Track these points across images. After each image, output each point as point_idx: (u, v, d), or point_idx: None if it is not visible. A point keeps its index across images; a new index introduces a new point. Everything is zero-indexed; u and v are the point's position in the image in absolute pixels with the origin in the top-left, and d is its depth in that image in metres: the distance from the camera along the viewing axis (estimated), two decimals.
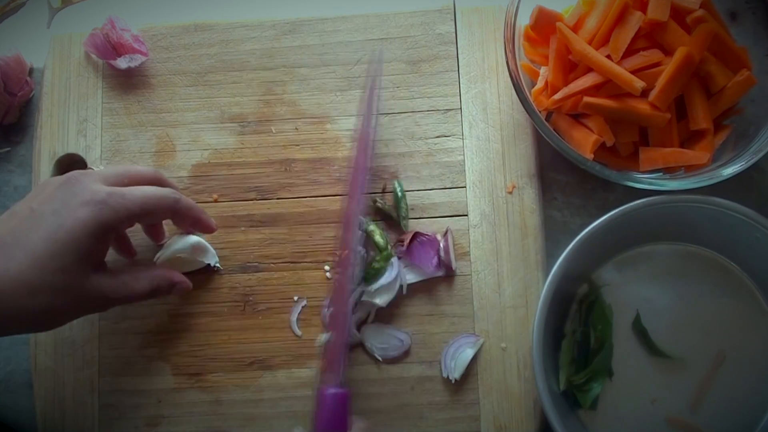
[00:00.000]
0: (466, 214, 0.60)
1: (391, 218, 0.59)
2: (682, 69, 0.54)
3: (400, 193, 0.59)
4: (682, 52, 0.54)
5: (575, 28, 0.58)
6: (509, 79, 0.57)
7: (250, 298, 0.59)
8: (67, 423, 0.58)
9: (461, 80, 0.62)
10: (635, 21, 0.55)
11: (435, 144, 0.61)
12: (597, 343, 0.56)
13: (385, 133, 0.61)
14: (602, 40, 0.56)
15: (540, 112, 0.57)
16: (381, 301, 0.57)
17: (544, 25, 0.58)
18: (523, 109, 0.56)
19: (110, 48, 0.63)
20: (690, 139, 0.58)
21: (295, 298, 0.59)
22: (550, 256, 0.59)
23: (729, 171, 0.54)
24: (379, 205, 0.59)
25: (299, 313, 0.59)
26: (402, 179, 0.60)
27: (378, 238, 0.58)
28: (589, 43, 0.56)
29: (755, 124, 0.57)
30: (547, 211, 0.61)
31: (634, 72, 0.55)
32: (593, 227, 0.54)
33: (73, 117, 0.63)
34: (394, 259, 0.57)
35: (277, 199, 0.61)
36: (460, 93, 0.62)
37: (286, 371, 0.58)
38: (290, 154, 0.61)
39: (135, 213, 0.49)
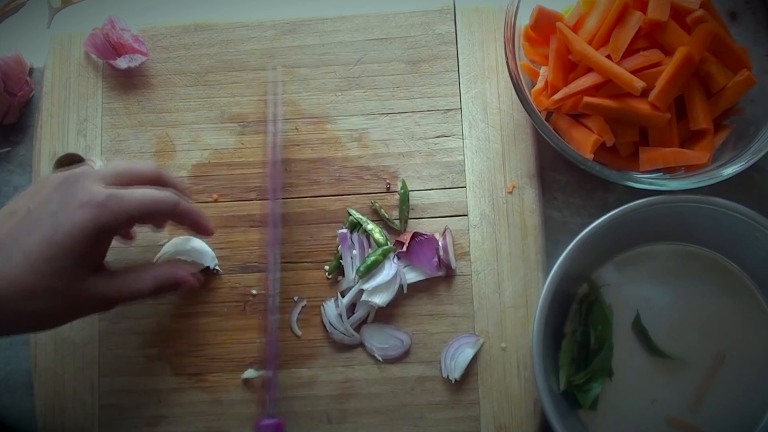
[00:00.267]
0: (466, 214, 0.60)
1: (387, 222, 0.59)
2: (682, 69, 0.54)
3: (403, 194, 0.59)
4: (682, 52, 0.54)
5: (575, 28, 0.58)
6: (509, 79, 0.57)
7: (250, 298, 0.59)
8: (67, 423, 0.58)
9: (461, 80, 0.62)
10: (635, 21, 0.55)
11: (435, 144, 0.61)
12: (597, 343, 0.56)
13: (385, 133, 0.61)
14: (602, 40, 0.56)
15: (540, 112, 0.57)
16: (381, 300, 0.57)
17: (544, 25, 0.58)
18: (523, 109, 0.56)
19: (110, 48, 0.63)
20: (690, 139, 0.58)
21: (295, 298, 0.59)
22: (550, 256, 0.59)
23: (729, 171, 0.54)
24: (376, 207, 0.59)
25: (299, 313, 0.59)
26: (402, 179, 0.60)
27: (377, 236, 0.58)
28: (589, 43, 0.56)
29: (755, 124, 0.57)
30: (547, 211, 0.61)
31: (634, 72, 0.55)
32: (593, 227, 0.54)
33: (73, 117, 0.63)
34: (393, 258, 0.57)
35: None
36: (460, 93, 0.62)
37: (285, 371, 0.58)
38: (290, 154, 0.61)
39: (133, 216, 0.49)
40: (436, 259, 0.58)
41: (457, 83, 0.62)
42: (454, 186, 0.60)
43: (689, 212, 0.55)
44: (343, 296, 0.58)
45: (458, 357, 0.57)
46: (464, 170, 0.60)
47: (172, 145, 0.62)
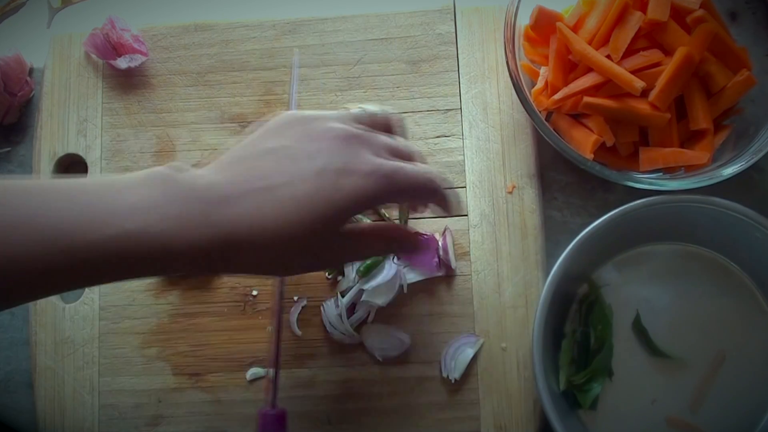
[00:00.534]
0: (466, 214, 0.60)
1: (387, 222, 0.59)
2: (682, 69, 0.54)
3: None
4: (682, 52, 0.54)
5: (575, 28, 0.58)
6: (509, 79, 0.57)
7: (250, 298, 0.59)
8: (67, 423, 0.58)
9: (461, 80, 0.62)
10: (635, 21, 0.55)
11: (435, 144, 0.61)
12: (597, 343, 0.56)
13: None
14: (602, 40, 0.56)
15: (540, 112, 0.57)
16: (381, 301, 0.57)
17: (544, 25, 0.58)
18: (523, 109, 0.56)
19: (110, 48, 0.63)
20: (690, 139, 0.58)
21: (295, 298, 0.59)
22: (550, 256, 0.58)
23: (729, 171, 0.54)
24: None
25: (299, 313, 0.59)
26: None
27: None
28: (589, 43, 0.56)
29: (755, 124, 0.57)
30: (547, 211, 0.61)
31: (634, 72, 0.55)
32: (593, 227, 0.54)
33: (73, 117, 0.63)
34: (393, 258, 0.57)
35: None
36: (460, 93, 0.62)
37: (286, 371, 0.58)
38: None
39: (407, 195, 0.46)
40: (436, 259, 0.58)
41: (457, 83, 0.62)
42: (454, 186, 0.60)
43: (689, 212, 0.55)
44: (343, 296, 0.58)
45: (458, 357, 0.57)
46: (464, 170, 0.60)
47: (172, 145, 0.62)
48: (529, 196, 0.60)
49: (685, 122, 0.57)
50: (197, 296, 0.59)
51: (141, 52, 0.63)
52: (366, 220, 0.58)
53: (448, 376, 0.57)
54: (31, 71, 0.66)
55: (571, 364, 0.56)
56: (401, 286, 0.58)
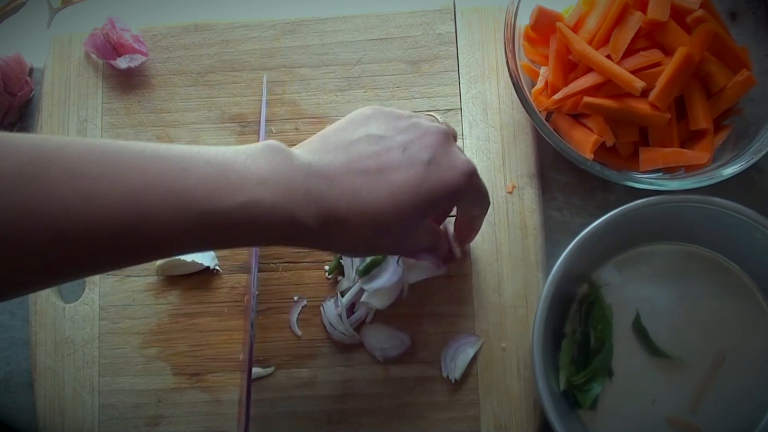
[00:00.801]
0: None
1: None
2: (682, 69, 0.54)
3: None
4: (682, 52, 0.54)
5: (575, 28, 0.58)
6: (509, 79, 0.57)
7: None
8: (67, 423, 0.58)
9: (461, 80, 0.62)
10: (635, 21, 0.55)
11: None
12: (597, 343, 0.56)
13: None
14: (602, 40, 0.56)
15: (540, 112, 0.57)
16: (381, 304, 0.57)
17: (544, 25, 0.58)
18: (523, 109, 0.56)
19: (110, 48, 0.63)
20: (690, 139, 0.58)
21: (295, 298, 0.59)
22: (550, 256, 0.58)
23: (729, 171, 0.54)
24: None
25: (299, 313, 0.59)
26: None
27: None
28: (589, 43, 0.56)
29: (755, 124, 0.57)
30: (547, 211, 0.61)
31: (634, 72, 0.55)
32: (593, 227, 0.54)
33: (73, 117, 0.63)
34: (399, 261, 0.57)
35: None
36: (460, 93, 0.62)
37: (286, 371, 0.58)
38: None
39: (476, 201, 0.49)
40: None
41: (457, 83, 0.62)
42: None
43: (689, 212, 0.55)
44: (343, 296, 0.58)
45: (458, 357, 0.57)
46: None
47: None
48: (529, 196, 0.60)
49: (685, 122, 0.57)
50: (197, 296, 0.59)
51: (141, 52, 0.63)
52: None
53: (448, 376, 0.57)
54: (31, 71, 0.66)
55: (571, 364, 0.56)
56: (402, 290, 0.58)
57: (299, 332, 0.59)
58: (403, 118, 0.47)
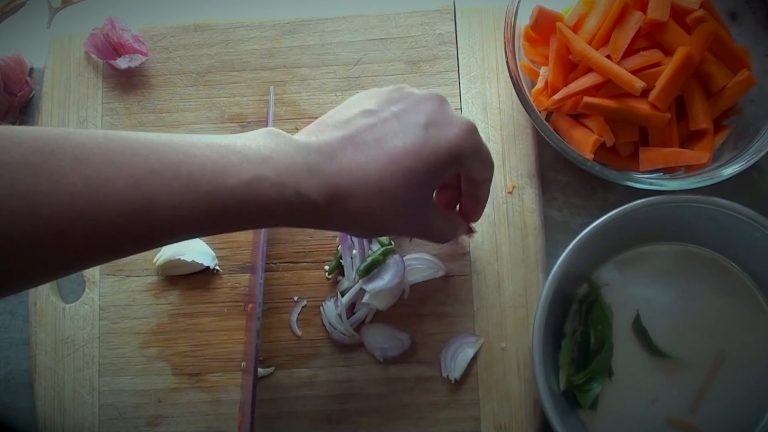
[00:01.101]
0: None
1: None
2: (682, 69, 0.54)
3: None
4: (682, 52, 0.54)
5: (575, 28, 0.58)
6: (509, 79, 0.57)
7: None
8: (67, 423, 0.58)
9: (461, 80, 0.62)
10: (635, 21, 0.55)
11: None
12: (597, 343, 0.56)
13: None
14: (602, 40, 0.56)
15: (540, 112, 0.57)
16: (382, 305, 0.57)
17: (544, 25, 0.58)
18: (523, 109, 0.56)
19: (110, 48, 0.63)
20: (690, 139, 0.58)
21: (295, 298, 0.59)
22: (550, 256, 0.59)
23: (729, 171, 0.54)
24: None
25: (299, 313, 0.59)
26: None
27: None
28: (589, 43, 0.56)
29: (755, 124, 0.57)
30: (547, 211, 0.61)
31: (634, 72, 0.55)
32: (593, 227, 0.54)
33: (73, 117, 0.63)
34: (399, 262, 0.57)
35: None
36: (460, 93, 0.62)
37: (286, 371, 0.58)
38: None
39: (480, 159, 0.48)
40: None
41: (457, 83, 0.62)
42: None
43: (689, 212, 0.55)
44: (343, 296, 0.58)
45: (458, 357, 0.57)
46: None
47: None
48: (529, 196, 0.60)
49: (685, 122, 0.57)
50: (197, 296, 0.60)
51: (141, 52, 0.63)
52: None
53: (448, 376, 0.57)
54: (31, 71, 0.66)
55: (571, 364, 0.56)
56: (404, 291, 0.58)
57: (299, 332, 0.59)
58: (396, 90, 0.47)
